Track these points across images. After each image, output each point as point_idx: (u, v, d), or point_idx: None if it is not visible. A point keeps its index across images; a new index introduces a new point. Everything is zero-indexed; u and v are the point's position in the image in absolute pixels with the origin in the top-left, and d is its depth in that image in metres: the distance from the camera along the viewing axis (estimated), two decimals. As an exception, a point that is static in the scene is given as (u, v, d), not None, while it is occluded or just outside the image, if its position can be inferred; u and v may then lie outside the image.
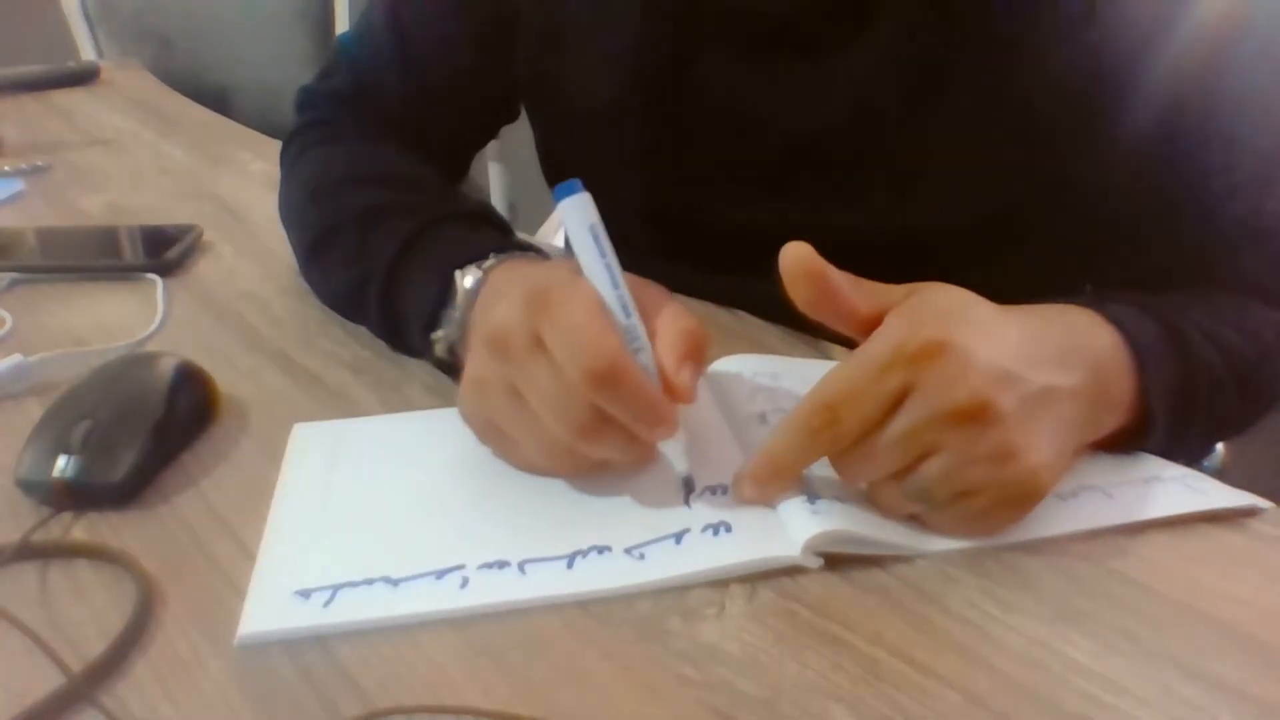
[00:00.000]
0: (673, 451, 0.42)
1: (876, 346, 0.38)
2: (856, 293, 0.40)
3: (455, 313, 0.49)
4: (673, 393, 0.41)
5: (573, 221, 0.42)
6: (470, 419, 0.44)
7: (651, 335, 0.42)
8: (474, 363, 0.43)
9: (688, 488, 0.42)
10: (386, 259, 0.54)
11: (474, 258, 0.49)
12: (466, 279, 0.49)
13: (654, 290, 0.44)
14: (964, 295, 0.40)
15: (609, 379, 0.38)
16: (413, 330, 0.52)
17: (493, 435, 0.44)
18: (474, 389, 0.43)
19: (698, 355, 0.42)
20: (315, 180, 0.64)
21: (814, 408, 0.38)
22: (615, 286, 0.41)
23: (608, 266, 0.41)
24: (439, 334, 0.50)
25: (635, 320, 0.41)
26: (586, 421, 0.39)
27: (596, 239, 0.42)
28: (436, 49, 0.66)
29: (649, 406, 0.39)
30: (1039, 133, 0.54)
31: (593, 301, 0.40)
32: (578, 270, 0.42)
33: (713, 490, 0.42)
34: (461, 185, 0.76)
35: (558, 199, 0.42)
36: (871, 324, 0.39)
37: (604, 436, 0.40)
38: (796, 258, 0.39)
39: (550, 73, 0.64)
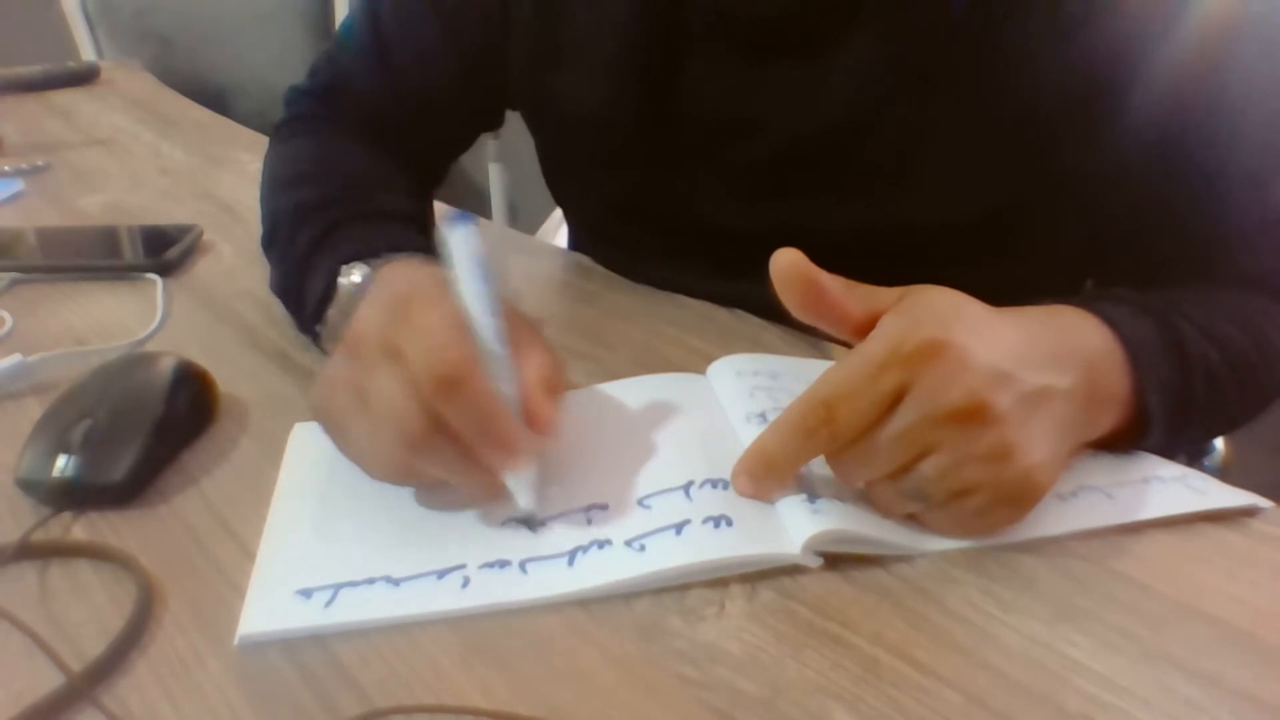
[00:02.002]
0: (518, 485, 0.41)
1: (873, 346, 0.38)
2: (848, 296, 0.40)
3: (335, 308, 0.51)
4: (534, 421, 0.40)
5: (460, 252, 0.42)
6: (314, 413, 0.44)
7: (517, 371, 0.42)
8: (331, 360, 0.43)
9: (529, 524, 0.41)
10: (300, 256, 0.56)
11: (364, 255, 0.51)
12: (353, 275, 0.51)
13: (527, 329, 0.44)
14: (959, 296, 0.40)
15: (455, 385, 0.37)
16: (308, 324, 0.54)
17: (335, 434, 0.43)
18: (324, 384, 0.43)
19: (558, 392, 0.42)
20: (271, 177, 0.66)
21: (809, 405, 0.38)
22: (494, 315, 0.41)
23: (489, 295, 0.41)
24: (319, 328, 0.53)
25: (506, 353, 0.41)
26: (421, 431, 0.38)
27: (484, 269, 0.42)
28: (415, 59, 0.67)
29: (493, 423, 0.38)
30: (1035, 130, 0.54)
31: (453, 315, 0.40)
32: (450, 282, 0.42)
33: (714, 484, 0.42)
34: (460, 185, 0.76)
35: (448, 228, 0.42)
36: (865, 327, 0.39)
37: (437, 451, 0.39)
38: (787, 263, 0.39)
39: (547, 84, 0.65)
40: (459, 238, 0.42)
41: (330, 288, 0.52)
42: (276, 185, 0.65)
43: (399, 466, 0.41)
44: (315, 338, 0.56)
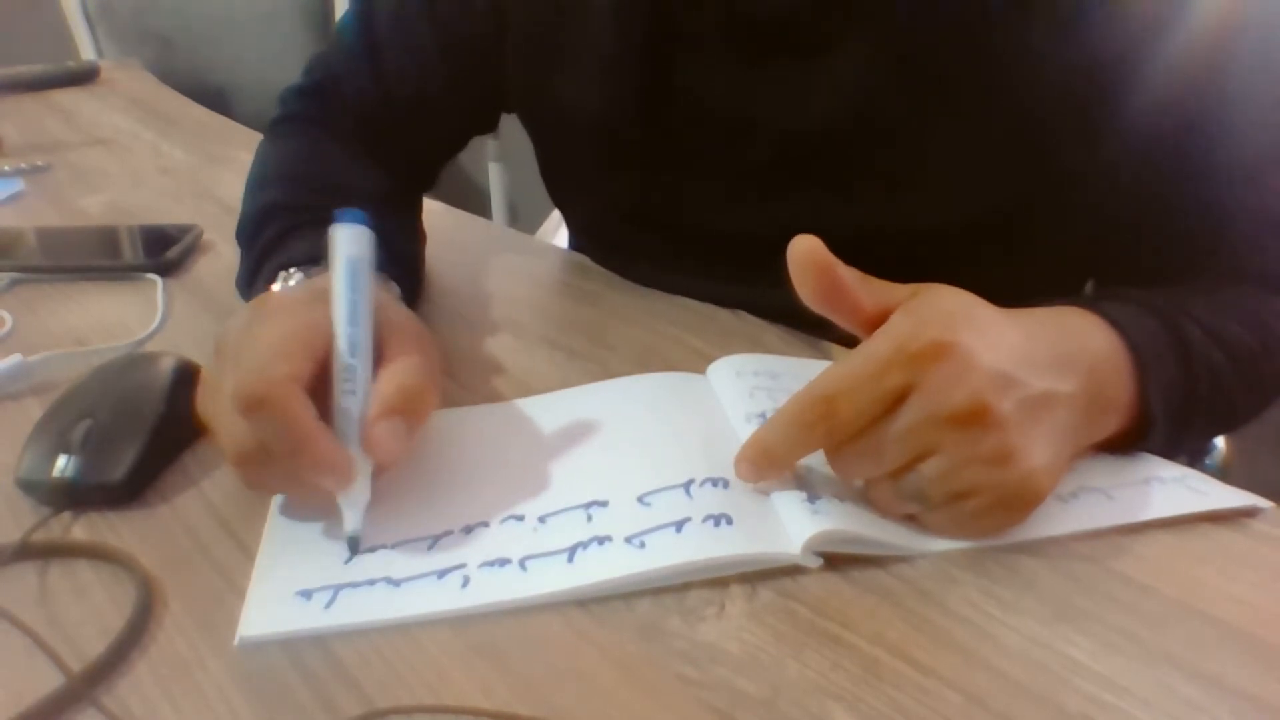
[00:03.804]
0: (348, 505, 0.40)
1: (879, 343, 0.38)
2: (863, 289, 0.40)
3: None
4: (366, 443, 0.39)
5: (338, 249, 0.41)
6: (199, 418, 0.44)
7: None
8: (211, 364, 0.43)
9: (351, 547, 0.40)
10: (257, 256, 0.56)
11: (306, 262, 0.51)
12: (290, 281, 0.51)
13: (405, 339, 0.43)
14: (967, 297, 0.40)
15: (256, 404, 0.37)
16: None
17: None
18: (201, 387, 0.43)
19: (411, 413, 0.40)
20: (252, 175, 0.67)
21: (811, 400, 0.38)
22: (351, 324, 0.40)
23: (352, 301, 0.40)
24: None
25: (359, 361, 0.40)
26: (244, 447, 0.38)
27: (354, 273, 0.41)
28: (407, 61, 0.66)
29: (304, 445, 0.37)
30: (1036, 130, 0.54)
31: (294, 327, 0.39)
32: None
33: (714, 483, 0.42)
34: (460, 185, 0.76)
35: (336, 221, 0.41)
36: (876, 321, 0.39)
37: (262, 467, 0.39)
38: (805, 250, 0.39)
39: (545, 87, 0.64)
40: (341, 235, 0.41)
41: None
42: (255, 184, 0.65)
43: (242, 478, 0.41)
44: None
